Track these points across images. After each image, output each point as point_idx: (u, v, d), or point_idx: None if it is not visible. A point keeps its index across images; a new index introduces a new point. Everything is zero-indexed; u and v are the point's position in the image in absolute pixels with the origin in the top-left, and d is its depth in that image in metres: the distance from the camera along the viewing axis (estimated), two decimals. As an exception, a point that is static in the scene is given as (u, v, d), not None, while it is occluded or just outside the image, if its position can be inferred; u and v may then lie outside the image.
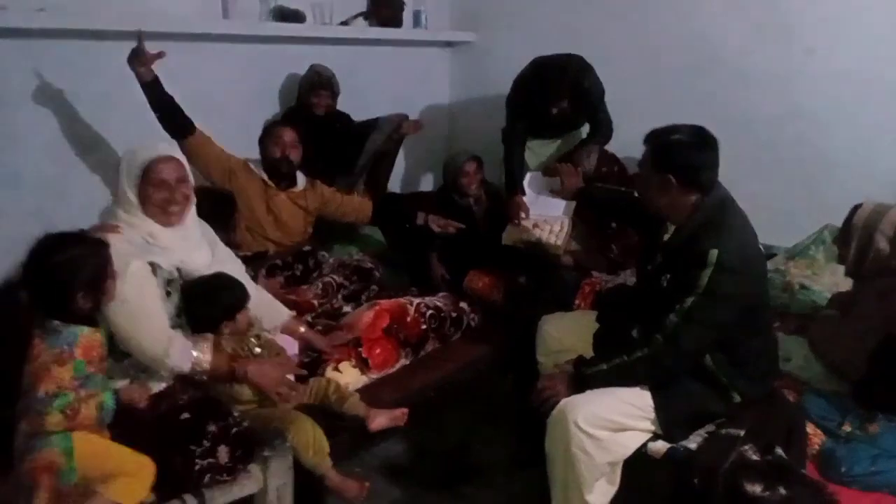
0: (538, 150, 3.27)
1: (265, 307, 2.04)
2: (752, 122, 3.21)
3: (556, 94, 2.87)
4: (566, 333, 2.20)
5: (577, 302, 2.68)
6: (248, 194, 2.70)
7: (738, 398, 1.85)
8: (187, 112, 2.69)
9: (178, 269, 1.81)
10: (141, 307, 1.66)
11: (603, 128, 3.05)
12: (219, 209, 2.25)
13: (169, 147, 1.91)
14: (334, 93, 3.15)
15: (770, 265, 2.70)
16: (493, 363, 2.49)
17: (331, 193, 2.92)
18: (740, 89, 3.21)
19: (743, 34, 3.17)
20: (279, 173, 2.76)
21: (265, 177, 2.74)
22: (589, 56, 3.09)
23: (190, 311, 1.80)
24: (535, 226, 2.88)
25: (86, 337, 1.52)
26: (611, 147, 3.21)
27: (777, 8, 3.07)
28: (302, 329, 2.12)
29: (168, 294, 1.78)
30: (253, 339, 1.88)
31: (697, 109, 3.09)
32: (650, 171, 1.83)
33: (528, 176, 3.04)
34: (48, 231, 1.59)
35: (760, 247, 1.91)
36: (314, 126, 3.05)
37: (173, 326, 1.76)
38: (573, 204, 2.80)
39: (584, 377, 1.84)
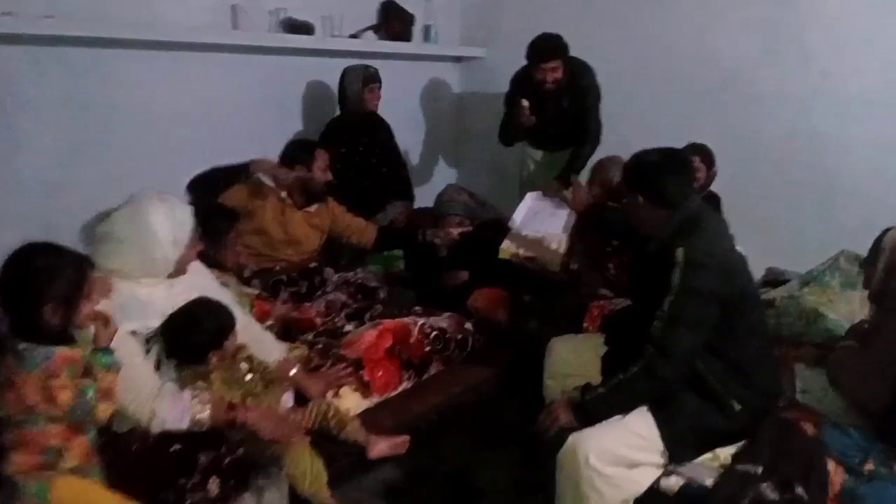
0: (538, 159, 3.29)
1: (256, 344, 1.92)
2: (765, 144, 3.17)
3: (548, 52, 2.92)
4: (575, 356, 2.17)
5: (585, 325, 2.61)
6: (262, 217, 2.64)
7: (737, 406, 1.79)
8: (199, 120, 2.66)
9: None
10: (123, 379, 1.53)
11: (592, 134, 3.06)
12: (215, 223, 2.18)
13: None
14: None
15: (783, 291, 2.64)
16: (498, 386, 2.41)
17: (341, 212, 2.89)
18: (753, 110, 3.18)
19: (757, 55, 3.14)
20: (313, 195, 2.73)
21: (283, 194, 2.68)
22: (598, 72, 3.07)
23: (174, 343, 1.71)
24: (533, 242, 2.83)
25: (62, 354, 1.42)
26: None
27: (793, 30, 3.04)
28: (293, 372, 1.98)
29: (148, 352, 1.69)
30: (244, 364, 1.80)
31: (709, 129, 3.09)
32: (625, 191, 1.96)
33: (526, 196, 3.01)
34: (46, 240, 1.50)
35: (738, 249, 1.93)
36: (366, 124, 3.13)
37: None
38: (572, 221, 2.79)
39: (584, 404, 1.83)
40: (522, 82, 3.10)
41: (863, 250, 2.65)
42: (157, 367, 1.70)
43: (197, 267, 1.90)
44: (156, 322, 1.70)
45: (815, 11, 2.96)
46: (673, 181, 1.87)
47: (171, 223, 1.69)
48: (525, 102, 2.96)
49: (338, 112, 3.29)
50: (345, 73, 3.16)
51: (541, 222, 2.89)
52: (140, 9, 2.66)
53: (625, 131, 3.22)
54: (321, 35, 3.26)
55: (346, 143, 3.20)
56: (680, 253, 1.74)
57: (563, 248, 2.80)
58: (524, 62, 3.05)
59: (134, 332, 1.65)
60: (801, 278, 2.70)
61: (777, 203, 3.15)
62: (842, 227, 2.93)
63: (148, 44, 2.68)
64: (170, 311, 1.72)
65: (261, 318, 2.30)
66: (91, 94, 2.59)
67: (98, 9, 2.51)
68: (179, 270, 1.77)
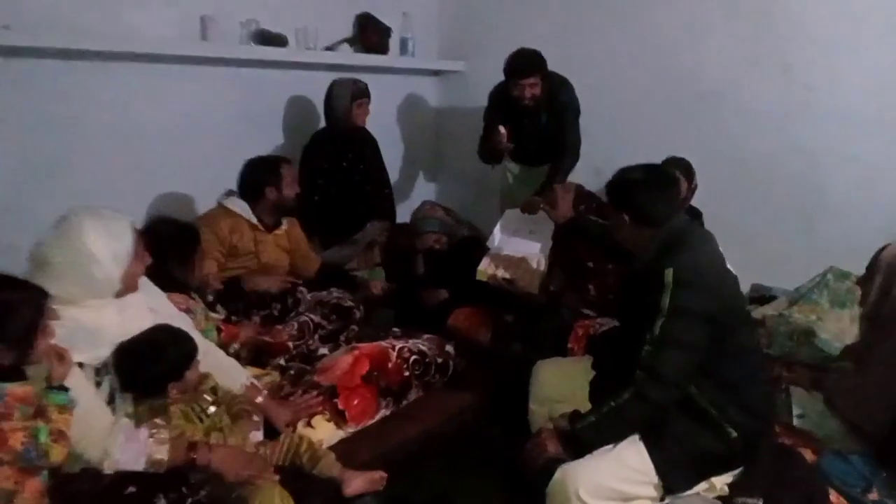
0: (513, 178, 3.23)
1: (219, 371, 1.79)
2: (748, 158, 3.12)
3: (525, 68, 2.87)
4: (562, 381, 2.08)
5: (570, 345, 2.52)
6: (236, 246, 2.52)
7: (734, 433, 1.71)
8: (167, 136, 2.58)
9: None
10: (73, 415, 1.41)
11: (571, 148, 3.01)
12: (179, 243, 2.06)
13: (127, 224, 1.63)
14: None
15: (771, 309, 2.59)
16: (481, 412, 2.30)
17: (300, 236, 2.78)
18: (735, 124, 3.13)
19: (739, 68, 3.09)
20: (286, 212, 2.63)
21: (253, 220, 2.56)
22: (578, 87, 3.02)
23: (129, 376, 1.57)
24: (512, 262, 2.77)
25: (15, 392, 1.31)
26: (599, 183, 3.10)
27: (775, 43, 3.00)
28: (259, 399, 1.85)
29: (98, 384, 1.55)
30: (207, 396, 1.66)
31: (690, 143, 3.04)
32: (609, 209, 1.93)
33: (504, 214, 2.96)
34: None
35: (727, 265, 1.86)
36: (352, 139, 3.05)
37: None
38: (549, 244, 2.75)
39: (574, 433, 1.76)
40: (500, 98, 3.05)
41: (848, 267, 2.62)
42: (110, 400, 1.56)
43: (150, 289, 1.77)
44: (106, 351, 1.56)
45: (796, 24, 2.93)
46: (658, 199, 1.82)
47: (108, 238, 1.55)
48: (502, 130, 2.90)
49: (321, 125, 3.20)
50: (332, 87, 3.06)
51: (519, 242, 2.84)
52: (104, 19, 2.55)
53: (604, 145, 3.21)
54: (295, 47, 3.17)
55: (329, 157, 3.10)
56: (668, 274, 1.68)
57: (542, 267, 2.75)
58: (503, 77, 2.98)
59: (81, 365, 1.51)
60: (789, 296, 2.65)
61: (760, 218, 3.10)
62: (827, 243, 2.88)
63: (112, 55, 2.56)
64: (122, 338, 1.58)
65: (229, 341, 2.18)
66: (51, 110, 2.46)
67: (58, 19, 2.39)
68: (128, 288, 1.62)
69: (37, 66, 2.39)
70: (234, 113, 3.06)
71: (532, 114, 2.96)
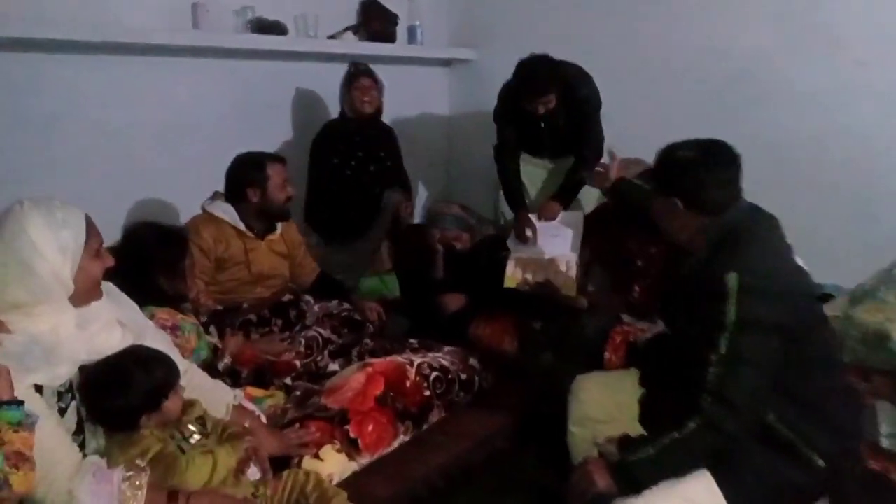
0: (532, 175, 2.99)
1: (200, 393, 1.54)
2: (791, 144, 2.87)
3: (539, 88, 2.61)
4: (606, 398, 1.82)
5: (607, 355, 2.26)
6: (224, 258, 2.27)
7: (820, 461, 1.45)
8: (156, 133, 2.42)
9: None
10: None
11: (593, 145, 2.77)
12: (165, 249, 1.82)
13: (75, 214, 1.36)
14: (379, 85, 2.85)
15: (832, 310, 2.29)
16: (512, 435, 2.03)
17: (298, 241, 2.52)
18: (776, 106, 2.89)
19: (776, 46, 2.84)
20: (274, 216, 2.35)
21: (240, 226, 2.29)
22: (597, 73, 2.79)
23: (94, 408, 1.32)
24: (540, 265, 2.57)
25: None
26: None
27: (820, 16, 2.74)
28: (247, 424, 1.59)
29: (62, 411, 1.29)
30: (191, 427, 1.40)
31: (723, 130, 2.64)
32: (656, 194, 1.65)
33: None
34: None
35: (798, 261, 1.60)
36: (364, 132, 2.83)
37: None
38: (579, 239, 2.54)
39: (628, 467, 1.49)
40: (511, 102, 2.79)
41: (916, 259, 2.37)
42: (79, 429, 1.31)
43: (120, 299, 1.51)
44: (66, 370, 1.30)
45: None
46: (718, 181, 1.53)
47: (52, 226, 1.29)
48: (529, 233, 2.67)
49: (330, 117, 3.00)
50: None
51: (544, 244, 2.63)
52: (85, 6, 2.34)
53: (629, 135, 2.92)
54: (294, 36, 2.94)
55: (340, 152, 2.86)
56: (732, 280, 1.41)
57: (573, 271, 2.52)
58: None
59: (38, 388, 1.26)
60: (850, 294, 2.37)
61: (808, 208, 2.82)
62: (886, 233, 2.62)
63: (95, 46, 2.36)
64: (87, 356, 1.32)
65: (243, 362, 2.00)
66: (28, 106, 2.27)
67: (35, 7, 2.19)
68: (86, 293, 1.36)
69: (11, 58, 2.20)
70: (228, 108, 2.84)
71: (548, 117, 2.72)
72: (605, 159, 2.41)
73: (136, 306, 1.55)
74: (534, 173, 3.04)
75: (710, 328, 1.43)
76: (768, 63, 2.88)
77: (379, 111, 2.90)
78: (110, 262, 1.40)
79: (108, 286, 1.45)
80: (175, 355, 1.48)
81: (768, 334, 1.41)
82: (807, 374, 1.48)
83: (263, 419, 1.70)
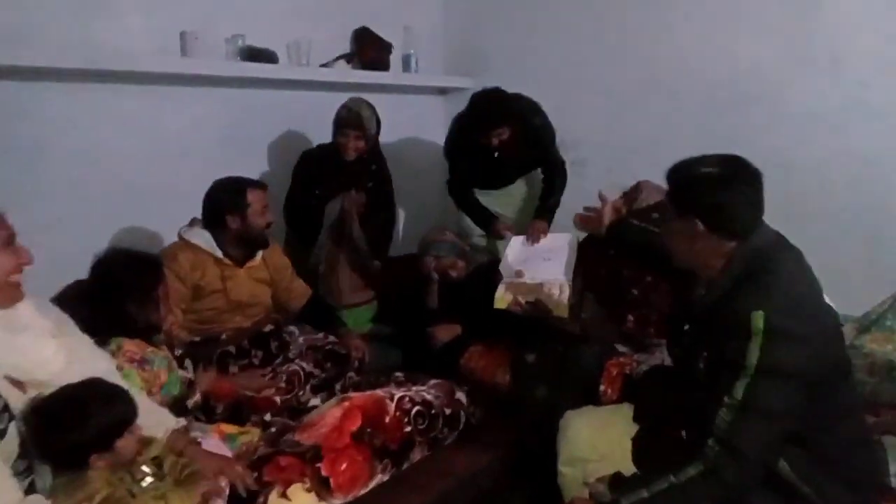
0: (489, 204, 2.98)
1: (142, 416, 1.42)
2: (793, 167, 2.77)
3: (493, 120, 2.64)
4: (597, 435, 1.73)
5: (602, 387, 2.16)
6: (200, 285, 2.19)
7: None
8: (144, 162, 2.40)
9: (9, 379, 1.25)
10: None
11: (559, 168, 2.87)
12: (137, 277, 1.76)
13: None
14: (367, 134, 2.71)
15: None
16: (500, 475, 1.92)
17: (284, 264, 2.44)
18: (778, 128, 2.81)
19: (780, 66, 2.78)
20: (253, 244, 2.28)
21: (218, 253, 2.22)
22: (593, 99, 2.73)
23: (40, 443, 1.24)
24: (531, 288, 2.46)
25: None
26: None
27: (821, 36, 2.68)
28: (182, 448, 1.47)
29: (1, 433, 1.19)
30: (145, 468, 1.32)
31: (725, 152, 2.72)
32: (672, 215, 1.49)
33: (512, 239, 2.71)
34: None
35: (826, 300, 1.46)
36: (346, 171, 2.72)
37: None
38: (573, 261, 2.46)
39: None
40: (464, 137, 2.80)
41: (926, 286, 2.26)
42: (24, 453, 1.22)
43: (59, 318, 1.42)
44: None
45: (842, 12, 2.61)
46: (745, 200, 1.39)
47: None
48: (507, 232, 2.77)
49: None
50: None
51: (535, 268, 2.54)
52: (71, 33, 2.31)
53: (630, 161, 2.90)
54: (286, 64, 2.91)
55: (314, 177, 2.77)
56: (758, 318, 1.29)
57: (565, 296, 2.42)
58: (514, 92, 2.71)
59: None
60: (856, 323, 2.27)
61: (813, 233, 2.64)
62: (893, 258, 2.51)
63: (81, 73, 2.33)
64: (11, 367, 1.23)
65: (219, 397, 1.92)
66: (12, 133, 2.23)
67: (19, 32, 2.15)
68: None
69: (-1, 85, 2.17)
70: (217, 137, 2.79)
71: (502, 148, 2.72)
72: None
73: (70, 320, 1.45)
74: (502, 201, 3.02)
75: (727, 369, 1.32)
76: (769, 85, 2.82)
77: (365, 152, 2.77)
78: (26, 259, 1.31)
79: (37, 298, 1.37)
80: (116, 379, 1.39)
81: (790, 383, 1.30)
82: (827, 426, 1.37)
83: (228, 452, 1.60)
